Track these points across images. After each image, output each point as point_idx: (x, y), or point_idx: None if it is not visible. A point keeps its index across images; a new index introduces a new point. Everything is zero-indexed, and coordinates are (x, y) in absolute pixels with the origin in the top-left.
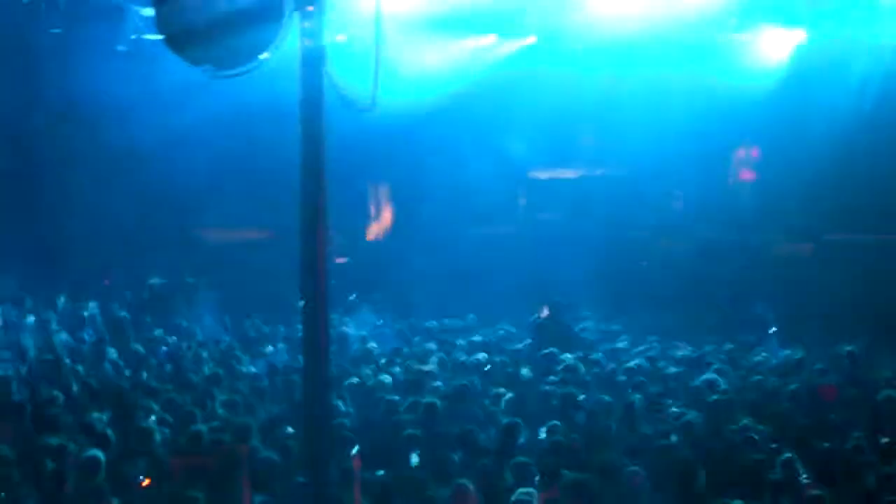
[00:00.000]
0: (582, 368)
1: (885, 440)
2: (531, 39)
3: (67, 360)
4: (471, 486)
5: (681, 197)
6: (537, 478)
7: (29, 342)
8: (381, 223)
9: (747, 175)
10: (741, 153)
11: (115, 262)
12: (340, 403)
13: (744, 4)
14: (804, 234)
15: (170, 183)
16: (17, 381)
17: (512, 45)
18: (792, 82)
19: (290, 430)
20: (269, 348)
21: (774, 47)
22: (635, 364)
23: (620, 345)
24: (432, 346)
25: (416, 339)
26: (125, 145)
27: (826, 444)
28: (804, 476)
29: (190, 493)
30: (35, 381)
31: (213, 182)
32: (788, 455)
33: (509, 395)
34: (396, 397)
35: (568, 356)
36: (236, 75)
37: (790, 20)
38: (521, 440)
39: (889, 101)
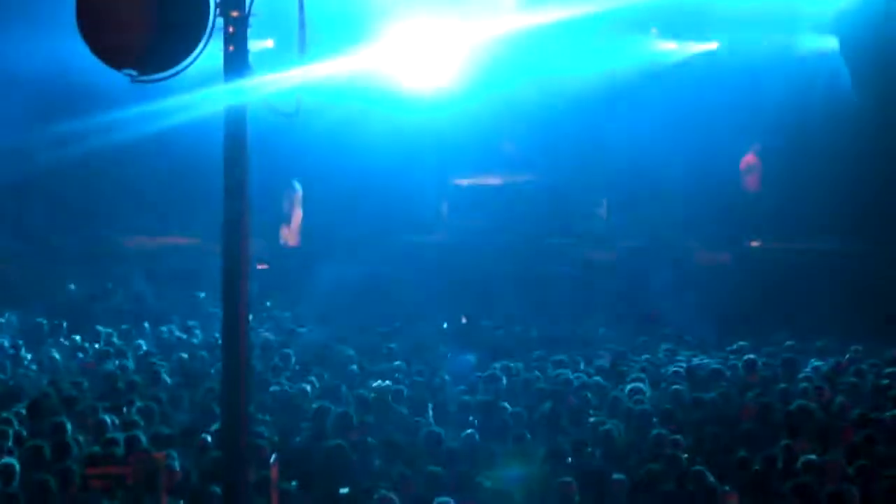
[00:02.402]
0: (501, 376)
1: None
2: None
3: None
4: (394, 498)
5: (604, 204)
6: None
7: None
8: (303, 229)
9: (670, 184)
10: (663, 162)
11: (37, 271)
12: (259, 411)
13: (665, 14)
14: (724, 242)
15: (92, 190)
16: None
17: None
18: (710, 91)
19: (207, 438)
20: (185, 355)
21: (690, 56)
22: (555, 372)
23: (539, 353)
24: (352, 352)
25: (339, 346)
26: (49, 152)
27: (741, 454)
28: (720, 486)
29: (105, 502)
30: None
31: (137, 188)
32: (702, 465)
33: (428, 402)
34: (316, 405)
35: (493, 364)
36: (160, 80)
37: (704, 32)
38: (438, 448)
39: (804, 108)
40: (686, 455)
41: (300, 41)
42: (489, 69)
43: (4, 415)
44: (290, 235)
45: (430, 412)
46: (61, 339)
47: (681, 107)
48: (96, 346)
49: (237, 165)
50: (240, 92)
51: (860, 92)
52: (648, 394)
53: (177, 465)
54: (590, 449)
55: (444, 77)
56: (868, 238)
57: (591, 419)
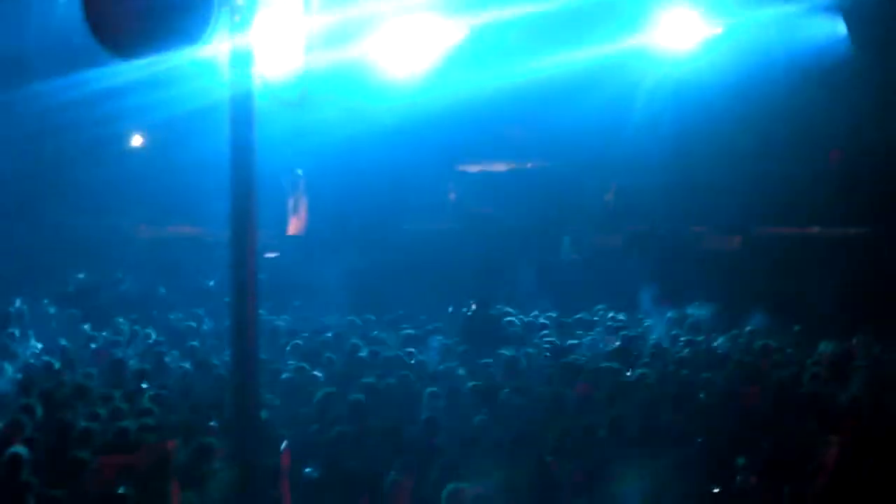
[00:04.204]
0: (511, 363)
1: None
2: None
3: None
4: (406, 482)
5: (612, 190)
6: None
7: None
8: (311, 218)
9: (679, 169)
10: (672, 147)
11: (46, 260)
12: (269, 398)
13: None
14: (733, 227)
15: (100, 179)
16: None
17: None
18: (715, 74)
19: (214, 424)
20: (199, 343)
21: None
22: (567, 358)
23: (549, 339)
24: (359, 341)
25: (347, 333)
26: (56, 144)
27: (751, 436)
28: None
29: (119, 491)
30: None
31: (145, 179)
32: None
33: (436, 389)
34: (325, 393)
35: (503, 350)
36: (163, 69)
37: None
38: (448, 435)
39: (807, 99)
40: (700, 439)
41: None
42: (497, 54)
43: (20, 403)
44: (295, 224)
45: (435, 399)
46: (71, 328)
47: (693, 93)
48: (104, 334)
49: (244, 157)
50: (245, 82)
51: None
52: (652, 379)
53: (188, 452)
54: (600, 434)
55: (450, 63)
56: (879, 224)
57: (599, 404)
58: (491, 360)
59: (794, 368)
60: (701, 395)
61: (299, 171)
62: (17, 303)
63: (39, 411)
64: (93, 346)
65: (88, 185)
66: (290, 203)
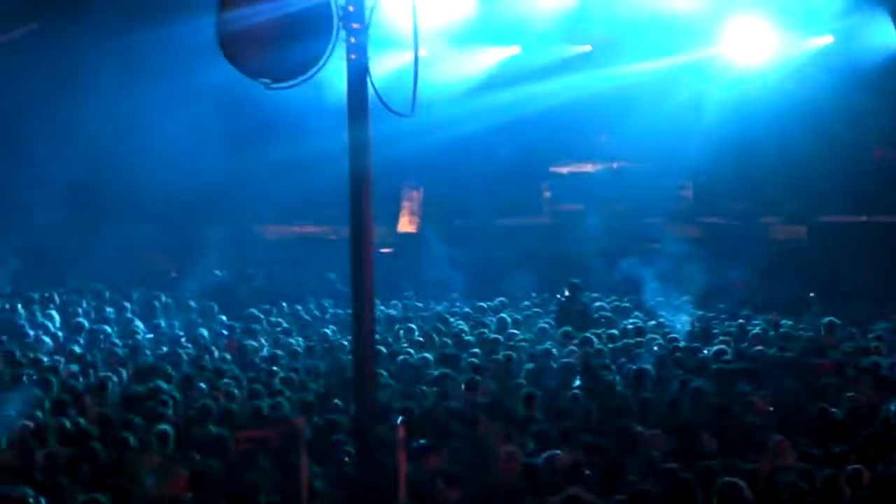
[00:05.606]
0: (599, 343)
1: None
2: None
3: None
4: (518, 452)
5: (689, 187)
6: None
7: (109, 330)
8: (419, 215)
9: (746, 165)
10: (741, 145)
11: (182, 257)
12: (386, 377)
13: None
14: (798, 217)
15: (229, 183)
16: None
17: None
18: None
19: (338, 402)
20: (324, 330)
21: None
22: (648, 337)
23: (634, 321)
24: (464, 325)
25: (452, 319)
26: (188, 149)
27: (819, 407)
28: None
29: (257, 462)
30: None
31: (271, 182)
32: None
33: (532, 367)
34: (436, 372)
35: (588, 332)
36: (289, 87)
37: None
38: (542, 408)
39: (861, 93)
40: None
41: (413, 96)
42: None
43: (163, 386)
44: (411, 223)
45: (536, 376)
46: (210, 319)
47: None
48: (236, 324)
49: (360, 163)
50: (361, 95)
51: None
52: (729, 355)
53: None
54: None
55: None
56: None
57: (682, 378)
58: (580, 342)
59: (856, 343)
60: (772, 369)
61: (419, 185)
62: (163, 297)
63: (182, 392)
64: (225, 332)
65: (220, 191)
66: (406, 203)
